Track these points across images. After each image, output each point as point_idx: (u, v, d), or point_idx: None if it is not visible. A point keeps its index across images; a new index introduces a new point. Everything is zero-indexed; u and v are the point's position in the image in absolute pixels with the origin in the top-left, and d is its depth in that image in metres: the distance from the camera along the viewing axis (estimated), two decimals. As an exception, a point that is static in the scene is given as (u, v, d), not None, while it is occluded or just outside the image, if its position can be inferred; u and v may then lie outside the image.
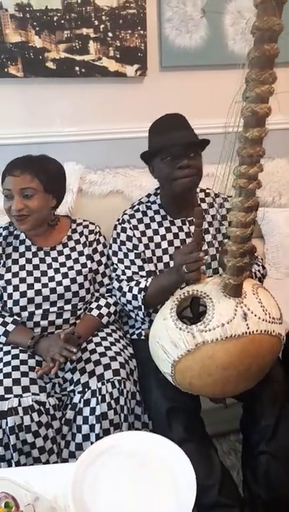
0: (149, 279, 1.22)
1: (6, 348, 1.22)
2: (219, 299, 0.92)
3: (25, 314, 1.26)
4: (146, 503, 0.83)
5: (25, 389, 1.10)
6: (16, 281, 1.26)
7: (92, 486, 0.85)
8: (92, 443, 1.06)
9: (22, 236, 1.32)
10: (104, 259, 1.36)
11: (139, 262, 1.29)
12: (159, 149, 1.19)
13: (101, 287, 1.36)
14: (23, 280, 1.26)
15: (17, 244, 1.31)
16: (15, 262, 1.29)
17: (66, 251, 1.32)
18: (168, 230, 1.32)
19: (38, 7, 1.48)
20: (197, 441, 1.05)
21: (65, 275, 1.29)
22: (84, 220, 1.40)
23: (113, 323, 1.36)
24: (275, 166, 1.80)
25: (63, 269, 1.29)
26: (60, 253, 1.32)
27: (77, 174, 1.60)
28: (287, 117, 1.52)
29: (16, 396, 1.08)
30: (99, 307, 1.31)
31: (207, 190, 1.39)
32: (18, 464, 1.06)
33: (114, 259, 1.33)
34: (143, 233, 1.31)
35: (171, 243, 1.30)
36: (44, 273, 1.28)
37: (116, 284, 1.31)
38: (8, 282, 1.26)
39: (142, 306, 1.21)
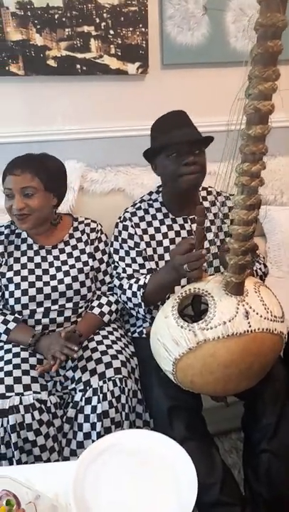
0: (148, 276, 1.23)
1: (7, 347, 1.22)
2: (221, 297, 0.92)
3: (26, 312, 1.26)
4: (147, 502, 0.83)
5: (27, 387, 1.10)
6: (17, 279, 1.26)
7: (94, 484, 0.85)
8: (93, 441, 1.06)
9: (24, 234, 1.32)
10: (105, 258, 1.36)
11: (140, 259, 1.29)
12: (164, 146, 1.19)
13: (102, 285, 1.36)
14: (24, 278, 1.26)
15: (19, 242, 1.31)
16: (17, 260, 1.29)
17: (68, 249, 1.32)
18: (170, 228, 1.31)
19: (39, 5, 1.48)
20: (198, 440, 1.05)
21: (66, 273, 1.28)
22: (86, 218, 1.40)
23: (114, 322, 1.36)
24: (277, 164, 1.80)
25: (65, 267, 1.29)
26: (62, 251, 1.32)
27: (79, 172, 1.60)
28: (290, 115, 1.51)
29: (17, 394, 1.08)
30: (100, 305, 1.31)
31: (209, 189, 1.39)
32: (19, 462, 1.06)
33: (116, 257, 1.33)
34: (144, 231, 1.31)
35: (172, 241, 1.30)
36: (46, 271, 1.28)
37: (117, 282, 1.31)
38: (10, 280, 1.26)
39: (142, 303, 1.21)
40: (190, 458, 0.87)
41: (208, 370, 0.91)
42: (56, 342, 1.14)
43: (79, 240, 1.34)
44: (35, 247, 1.31)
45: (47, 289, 1.26)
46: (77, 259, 1.32)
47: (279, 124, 1.30)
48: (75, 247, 1.33)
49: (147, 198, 1.37)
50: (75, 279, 1.28)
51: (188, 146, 1.17)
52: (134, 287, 1.23)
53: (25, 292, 1.25)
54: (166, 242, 1.30)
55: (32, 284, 1.26)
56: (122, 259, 1.31)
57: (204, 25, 1.64)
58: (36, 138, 1.61)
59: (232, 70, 1.64)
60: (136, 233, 1.30)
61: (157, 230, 1.31)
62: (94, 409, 1.09)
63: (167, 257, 1.29)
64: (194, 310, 1.06)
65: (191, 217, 1.31)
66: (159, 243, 1.30)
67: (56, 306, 1.27)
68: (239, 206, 0.83)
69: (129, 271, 1.29)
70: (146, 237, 1.30)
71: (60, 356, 1.09)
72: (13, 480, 0.85)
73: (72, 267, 1.30)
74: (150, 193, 1.38)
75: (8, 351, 1.20)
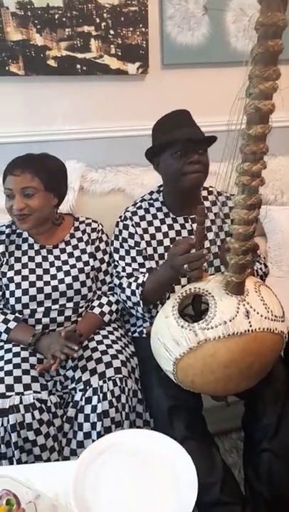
0: (147, 275, 1.23)
1: (7, 346, 1.22)
2: (221, 296, 0.92)
3: (27, 312, 1.26)
4: (147, 501, 0.83)
5: (27, 387, 1.10)
6: (18, 278, 1.26)
7: (94, 484, 0.85)
8: (93, 441, 1.06)
9: (25, 234, 1.32)
10: (106, 258, 1.36)
11: (140, 259, 1.29)
12: (169, 143, 1.19)
13: (103, 285, 1.36)
14: (25, 278, 1.26)
15: (20, 242, 1.31)
16: (17, 259, 1.29)
17: (69, 249, 1.32)
18: (170, 227, 1.31)
19: (40, 5, 1.48)
20: (199, 440, 1.05)
21: (67, 273, 1.29)
22: (87, 218, 1.40)
23: (115, 322, 1.36)
24: (277, 163, 1.80)
25: (66, 267, 1.29)
26: (63, 251, 1.32)
27: (79, 172, 1.60)
28: (290, 115, 1.51)
29: (17, 394, 1.08)
30: (101, 305, 1.31)
31: (210, 189, 1.39)
32: (19, 461, 1.06)
33: (116, 256, 1.33)
34: (145, 230, 1.31)
35: (173, 241, 1.30)
36: (46, 271, 1.28)
37: (116, 281, 1.31)
38: (11, 280, 1.26)
39: (141, 302, 1.21)
40: (190, 457, 0.87)
41: (209, 370, 0.91)
42: (56, 341, 1.14)
43: (80, 239, 1.34)
44: (36, 246, 1.31)
45: (47, 289, 1.26)
46: (78, 259, 1.32)
47: (279, 124, 1.30)
48: (76, 247, 1.33)
49: (148, 197, 1.37)
50: (75, 278, 1.28)
51: (193, 145, 1.18)
52: (133, 285, 1.23)
53: (25, 292, 1.25)
54: (166, 242, 1.30)
55: (33, 284, 1.26)
56: (122, 258, 1.31)
57: (204, 25, 1.64)
58: (36, 138, 1.61)
59: (232, 70, 1.64)
60: (136, 232, 1.30)
61: (158, 229, 1.31)
62: (94, 408, 1.09)
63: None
64: (195, 310, 1.06)
65: (191, 216, 1.32)
66: (160, 242, 1.30)
67: (57, 306, 1.27)
68: (240, 206, 0.83)
69: (129, 270, 1.29)
70: (146, 237, 1.30)
71: (60, 355, 1.09)
72: (13, 479, 0.85)
73: (73, 266, 1.30)
74: (151, 193, 1.38)
75: (8, 351, 1.20)
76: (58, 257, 1.31)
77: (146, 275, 1.23)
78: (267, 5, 0.67)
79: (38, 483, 0.86)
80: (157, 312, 1.20)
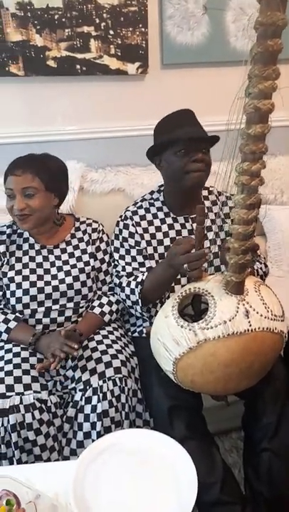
0: (146, 273, 1.23)
1: (7, 346, 1.22)
2: (221, 296, 0.92)
3: (27, 312, 1.26)
4: (147, 501, 0.83)
5: (27, 387, 1.10)
6: (19, 278, 1.26)
7: (94, 484, 0.85)
8: (93, 441, 1.06)
9: (26, 234, 1.32)
10: (107, 258, 1.37)
11: (140, 258, 1.29)
12: (172, 142, 1.19)
13: (103, 285, 1.36)
14: (26, 278, 1.26)
15: (21, 242, 1.32)
16: (18, 259, 1.29)
17: (69, 249, 1.32)
18: (170, 227, 1.32)
19: (39, 5, 1.48)
20: (199, 439, 1.04)
21: (68, 273, 1.29)
22: (87, 219, 1.40)
23: (115, 322, 1.36)
24: (277, 163, 1.80)
25: (66, 267, 1.29)
26: (64, 251, 1.32)
27: (79, 172, 1.60)
28: (290, 114, 1.51)
29: (17, 394, 1.08)
30: (101, 305, 1.31)
31: (210, 188, 1.39)
32: (19, 461, 1.06)
33: (116, 255, 1.33)
34: (145, 230, 1.31)
35: (173, 240, 1.30)
36: (47, 271, 1.28)
37: (116, 280, 1.31)
38: (12, 280, 1.26)
39: (139, 301, 1.21)
40: (190, 457, 0.87)
41: (209, 370, 0.91)
42: (56, 340, 1.15)
43: (81, 240, 1.35)
44: (37, 246, 1.31)
45: (48, 289, 1.26)
46: (79, 259, 1.32)
47: (279, 123, 1.30)
48: (76, 247, 1.33)
49: (149, 197, 1.37)
50: (76, 278, 1.29)
51: (196, 144, 1.18)
52: (133, 284, 1.23)
53: (26, 292, 1.25)
54: (167, 241, 1.30)
55: (33, 284, 1.26)
56: (122, 257, 1.32)
57: (204, 25, 1.64)
58: (36, 138, 1.61)
59: (232, 70, 1.64)
60: (137, 232, 1.30)
61: (158, 229, 1.31)
62: (94, 408, 1.09)
63: (167, 256, 1.30)
64: (194, 309, 1.06)
65: (192, 216, 1.32)
66: (160, 242, 1.30)
67: (57, 306, 1.27)
68: (239, 205, 0.83)
69: (129, 269, 1.29)
70: (147, 236, 1.30)
71: (60, 354, 1.09)
72: (14, 479, 0.85)
73: (74, 266, 1.30)
74: (151, 192, 1.38)
75: (8, 351, 1.20)
76: (58, 257, 1.31)
77: (146, 274, 1.23)
78: (266, 4, 0.67)
79: (38, 483, 0.86)
80: (157, 312, 1.20)
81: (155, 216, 1.33)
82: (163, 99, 1.64)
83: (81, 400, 1.12)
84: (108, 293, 1.35)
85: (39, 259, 1.30)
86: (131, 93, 1.67)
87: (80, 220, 1.39)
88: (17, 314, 1.26)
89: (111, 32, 1.57)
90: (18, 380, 1.11)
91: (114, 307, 1.33)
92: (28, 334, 1.22)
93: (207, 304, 0.93)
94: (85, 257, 1.32)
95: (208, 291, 0.94)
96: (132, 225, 1.31)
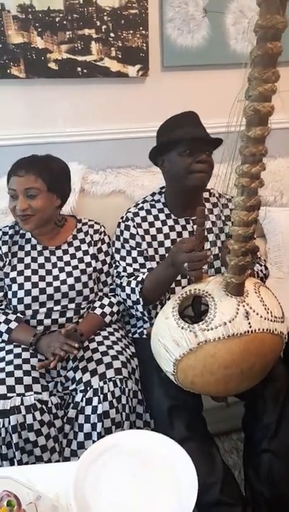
0: (147, 273, 1.23)
1: (8, 347, 1.22)
2: (221, 297, 0.92)
3: (29, 312, 1.26)
4: (147, 502, 0.83)
5: (28, 388, 1.10)
6: (20, 279, 1.27)
7: (94, 485, 0.85)
8: (93, 442, 1.07)
9: (28, 235, 1.33)
10: (108, 259, 1.37)
11: (141, 259, 1.30)
12: (176, 142, 1.20)
13: (105, 287, 1.37)
14: (27, 279, 1.27)
15: (23, 243, 1.32)
16: (20, 260, 1.30)
17: (71, 250, 1.33)
18: (171, 228, 1.32)
19: (41, 8, 1.49)
20: (199, 440, 1.05)
21: (69, 274, 1.29)
22: (89, 220, 1.41)
23: (115, 323, 1.36)
24: (276, 165, 1.80)
25: (68, 268, 1.30)
26: (65, 252, 1.32)
27: (80, 174, 1.61)
28: (290, 116, 1.52)
29: (18, 395, 1.08)
30: (102, 306, 1.31)
31: (211, 190, 1.39)
32: (20, 462, 1.06)
33: (117, 256, 1.34)
34: (146, 231, 1.31)
35: (174, 242, 1.30)
36: (49, 272, 1.29)
37: (117, 281, 1.32)
38: (13, 280, 1.27)
39: (140, 299, 1.21)
40: (190, 458, 0.87)
41: (209, 371, 0.91)
42: (56, 339, 1.15)
43: (82, 241, 1.35)
44: (39, 247, 1.32)
45: (50, 290, 1.26)
46: (80, 260, 1.32)
47: (279, 126, 1.30)
48: (78, 248, 1.34)
49: (150, 198, 1.38)
50: (77, 280, 1.29)
51: (200, 145, 1.19)
52: (133, 283, 1.24)
53: (28, 292, 1.26)
54: (167, 243, 1.31)
55: (35, 285, 1.26)
56: (123, 258, 1.32)
57: (204, 28, 1.65)
58: (37, 140, 1.62)
59: (232, 72, 1.65)
60: (138, 233, 1.31)
61: (159, 230, 1.32)
62: (94, 409, 1.10)
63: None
64: (195, 311, 1.07)
65: (193, 218, 1.32)
66: (161, 244, 1.31)
67: (58, 307, 1.28)
68: (239, 207, 0.83)
69: (130, 270, 1.30)
70: (147, 238, 1.31)
71: (60, 352, 1.09)
72: (14, 480, 0.85)
73: (75, 268, 1.31)
74: (153, 194, 1.39)
75: (9, 352, 1.21)
76: (60, 258, 1.31)
77: (146, 273, 1.23)
78: (266, 7, 0.68)
79: (38, 484, 0.86)
80: (157, 313, 1.20)
81: (156, 218, 1.33)
82: (163, 101, 1.65)
83: (82, 401, 1.12)
84: (109, 294, 1.36)
85: (41, 260, 1.30)
86: (131, 95, 1.68)
87: (82, 221, 1.40)
88: (18, 315, 1.27)
89: (112, 34, 1.57)
90: (19, 381, 1.12)
91: (115, 308, 1.33)
92: (28, 334, 1.22)
93: (207, 305, 0.93)
94: (87, 258, 1.33)
95: (209, 292, 0.94)
96: (133, 226, 1.31)
